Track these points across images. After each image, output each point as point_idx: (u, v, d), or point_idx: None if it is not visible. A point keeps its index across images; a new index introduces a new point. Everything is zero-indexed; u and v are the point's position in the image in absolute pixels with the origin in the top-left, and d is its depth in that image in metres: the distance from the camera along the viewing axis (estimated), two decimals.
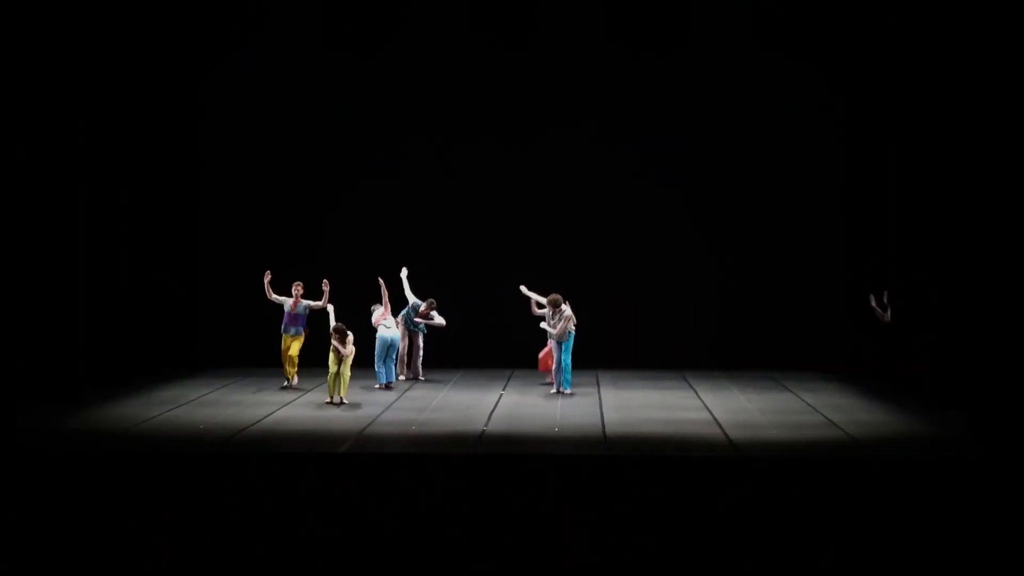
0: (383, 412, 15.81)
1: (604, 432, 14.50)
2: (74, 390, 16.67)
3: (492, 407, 16.28)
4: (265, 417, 15.30)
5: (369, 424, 14.91)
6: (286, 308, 17.46)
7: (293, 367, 17.47)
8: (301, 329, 17.48)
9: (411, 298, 18.44)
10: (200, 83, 20.65)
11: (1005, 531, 11.61)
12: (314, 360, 17.38)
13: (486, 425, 14.88)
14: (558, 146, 20.64)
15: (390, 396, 17.14)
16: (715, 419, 15.35)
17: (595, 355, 19.38)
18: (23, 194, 16.49)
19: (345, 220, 20.77)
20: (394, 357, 17.85)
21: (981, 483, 12.06)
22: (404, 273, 18.48)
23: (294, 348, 17.45)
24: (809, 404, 16.61)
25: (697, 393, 17.67)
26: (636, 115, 20.58)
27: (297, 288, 17.48)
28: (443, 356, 19.25)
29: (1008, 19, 15.59)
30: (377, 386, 17.59)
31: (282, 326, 17.53)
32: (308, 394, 17.24)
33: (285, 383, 17.49)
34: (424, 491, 12.10)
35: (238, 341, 19.64)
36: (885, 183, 18.90)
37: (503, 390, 17.76)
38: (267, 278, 17.53)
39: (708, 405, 16.52)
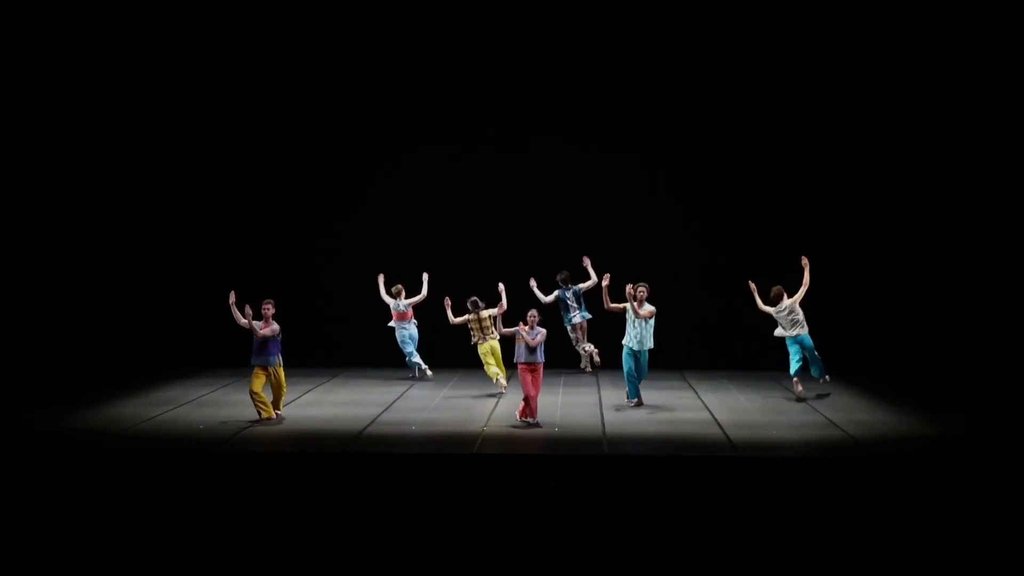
0: (383, 412, 15.81)
1: (604, 432, 14.50)
2: (74, 390, 16.66)
3: (492, 407, 16.27)
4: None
5: (369, 424, 14.90)
6: (264, 333, 14.97)
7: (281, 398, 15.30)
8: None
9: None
10: (200, 83, 20.66)
11: (1005, 531, 11.61)
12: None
13: (486, 425, 14.88)
14: (557, 147, 20.66)
15: (390, 396, 17.14)
16: (715, 419, 15.35)
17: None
18: (23, 194, 16.49)
19: (345, 221, 20.79)
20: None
21: (981, 483, 12.07)
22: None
23: (283, 377, 15.15)
24: (809, 404, 16.60)
25: (697, 393, 17.67)
26: (635, 116, 20.60)
27: (268, 308, 15.10)
28: (443, 356, 19.25)
29: (1009, 18, 15.58)
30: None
31: (269, 357, 14.94)
32: (308, 394, 17.23)
33: (276, 415, 15.11)
34: (424, 491, 12.10)
35: (238, 341, 19.61)
36: (885, 182, 18.89)
37: (503, 390, 17.74)
38: (232, 298, 15.17)
39: (708, 405, 16.51)
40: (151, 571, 11.47)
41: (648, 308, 16.13)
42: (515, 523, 11.83)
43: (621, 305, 16.21)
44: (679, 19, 20.30)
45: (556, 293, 18.80)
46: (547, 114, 20.62)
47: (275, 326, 15.05)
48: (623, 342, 16.33)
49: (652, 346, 16.26)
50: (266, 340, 14.96)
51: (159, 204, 19.90)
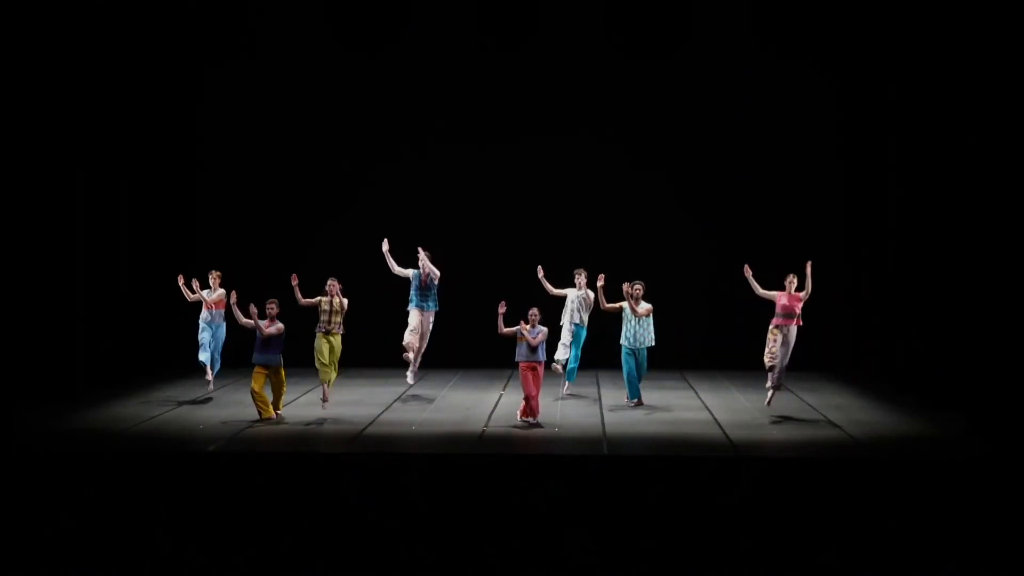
0: (383, 412, 15.81)
1: (604, 432, 14.49)
2: (74, 390, 16.65)
3: (492, 407, 16.27)
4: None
5: (369, 424, 14.90)
6: (270, 331, 14.95)
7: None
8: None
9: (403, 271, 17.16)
10: (200, 83, 20.65)
11: (1005, 531, 11.61)
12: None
13: (486, 425, 14.88)
14: (558, 146, 20.66)
15: (390, 396, 17.13)
16: (715, 419, 15.35)
17: (595, 355, 19.38)
18: (23, 194, 16.49)
19: (345, 220, 20.78)
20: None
21: (981, 483, 12.06)
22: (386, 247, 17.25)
23: (283, 377, 15.19)
24: (809, 404, 16.60)
25: (697, 393, 17.67)
26: (635, 116, 20.61)
27: (272, 307, 15.07)
28: (443, 356, 19.22)
29: (1008, 18, 15.59)
30: None
31: (271, 356, 14.94)
32: (308, 394, 17.22)
33: (276, 415, 15.09)
34: (424, 491, 12.10)
35: (237, 341, 19.60)
36: (885, 183, 18.90)
37: (503, 390, 17.75)
38: (233, 298, 15.29)
39: (708, 405, 16.51)
40: (151, 571, 11.48)
41: (645, 306, 16.14)
42: (515, 523, 11.83)
43: (617, 304, 16.21)
44: (680, 20, 20.29)
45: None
46: (546, 114, 20.61)
47: (280, 325, 15.05)
48: (620, 342, 16.33)
49: (653, 344, 16.27)
50: (270, 339, 14.95)
51: (159, 204, 19.89)
